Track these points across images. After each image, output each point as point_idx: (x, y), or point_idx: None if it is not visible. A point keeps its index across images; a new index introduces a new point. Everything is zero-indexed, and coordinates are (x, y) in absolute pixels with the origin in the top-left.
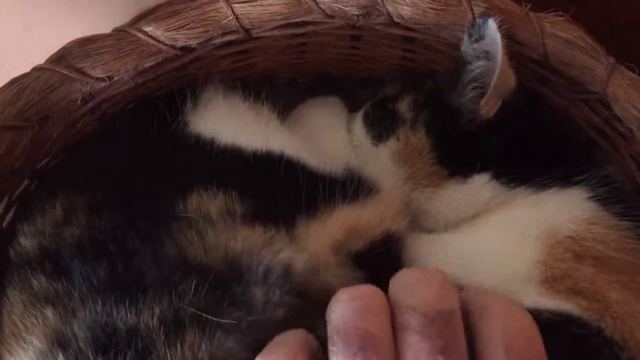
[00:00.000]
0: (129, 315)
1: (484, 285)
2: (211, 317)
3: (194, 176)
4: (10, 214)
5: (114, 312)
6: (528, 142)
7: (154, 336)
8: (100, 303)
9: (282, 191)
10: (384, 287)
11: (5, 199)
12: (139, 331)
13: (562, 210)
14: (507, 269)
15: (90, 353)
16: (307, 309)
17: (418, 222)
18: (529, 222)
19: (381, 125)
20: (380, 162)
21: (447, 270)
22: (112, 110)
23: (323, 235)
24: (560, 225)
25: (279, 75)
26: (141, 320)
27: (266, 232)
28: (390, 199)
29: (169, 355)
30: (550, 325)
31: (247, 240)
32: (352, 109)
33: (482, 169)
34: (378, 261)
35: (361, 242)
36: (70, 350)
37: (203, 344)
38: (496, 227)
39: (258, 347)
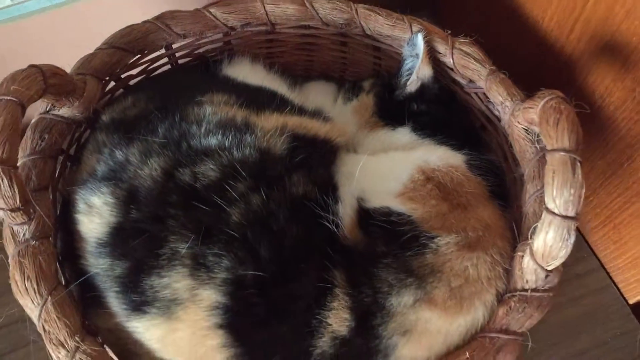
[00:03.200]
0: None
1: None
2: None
3: (213, 87)
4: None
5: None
6: (441, 114)
7: None
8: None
9: (263, 97)
10: (313, 161)
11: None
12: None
13: (443, 158)
14: (386, 184)
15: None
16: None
17: (355, 149)
18: (416, 159)
19: (351, 93)
20: (345, 115)
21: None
22: (182, 61)
23: (278, 119)
24: (432, 163)
25: (295, 70)
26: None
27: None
28: (338, 124)
29: None
30: (385, 217)
31: (222, 114)
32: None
33: (405, 124)
34: (313, 146)
35: (303, 131)
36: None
37: None
38: (397, 159)
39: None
